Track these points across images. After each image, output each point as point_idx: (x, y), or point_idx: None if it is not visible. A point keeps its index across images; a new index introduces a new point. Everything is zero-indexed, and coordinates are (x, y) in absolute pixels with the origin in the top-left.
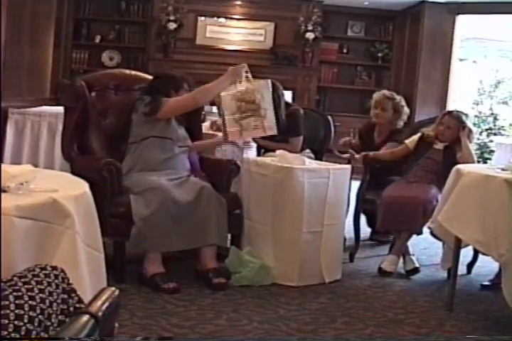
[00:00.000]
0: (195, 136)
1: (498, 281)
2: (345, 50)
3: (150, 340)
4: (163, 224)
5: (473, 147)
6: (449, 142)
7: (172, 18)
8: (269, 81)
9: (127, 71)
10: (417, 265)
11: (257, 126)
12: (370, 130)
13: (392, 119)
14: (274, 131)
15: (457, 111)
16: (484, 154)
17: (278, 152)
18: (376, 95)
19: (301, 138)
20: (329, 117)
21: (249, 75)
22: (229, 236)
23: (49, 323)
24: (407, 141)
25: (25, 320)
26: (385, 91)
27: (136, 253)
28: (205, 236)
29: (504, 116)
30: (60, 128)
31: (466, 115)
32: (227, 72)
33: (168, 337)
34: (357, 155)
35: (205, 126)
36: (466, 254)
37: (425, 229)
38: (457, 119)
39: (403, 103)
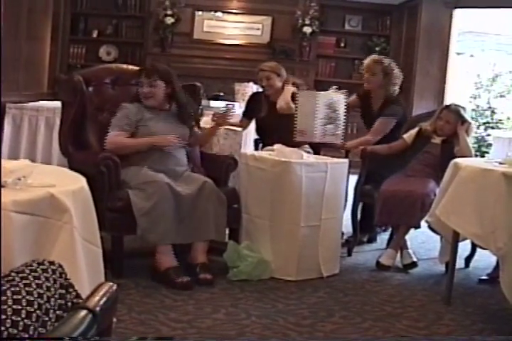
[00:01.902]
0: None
1: (495, 275)
2: (342, 44)
3: (147, 340)
4: (165, 216)
5: (471, 141)
6: (447, 136)
7: (169, 12)
8: (343, 95)
9: (124, 66)
10: (415, 259)
11: (333, 133)
12: (367, 98)
13: (384, 84)
14: (341, 139)
15: (455, 105)
16: (482, 148)
17: (276, 146)
18: (366, 60)
19: None
20: None
21: (334, 87)
22: (227, 230)
23: (47, 318)
24: (405, 136)
25: (23, 315)
26: (374, 56)
27: (135, 247)
28: (203, 231)
29: (502, 109)
30: (58, 123)
31: (464, 108)
32: (158, 138)
33: (164, 337)
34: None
35: (204, 121)
36: (464, 248)
37: (423, 223)
38: (456, 113)
39: (393, 66)
